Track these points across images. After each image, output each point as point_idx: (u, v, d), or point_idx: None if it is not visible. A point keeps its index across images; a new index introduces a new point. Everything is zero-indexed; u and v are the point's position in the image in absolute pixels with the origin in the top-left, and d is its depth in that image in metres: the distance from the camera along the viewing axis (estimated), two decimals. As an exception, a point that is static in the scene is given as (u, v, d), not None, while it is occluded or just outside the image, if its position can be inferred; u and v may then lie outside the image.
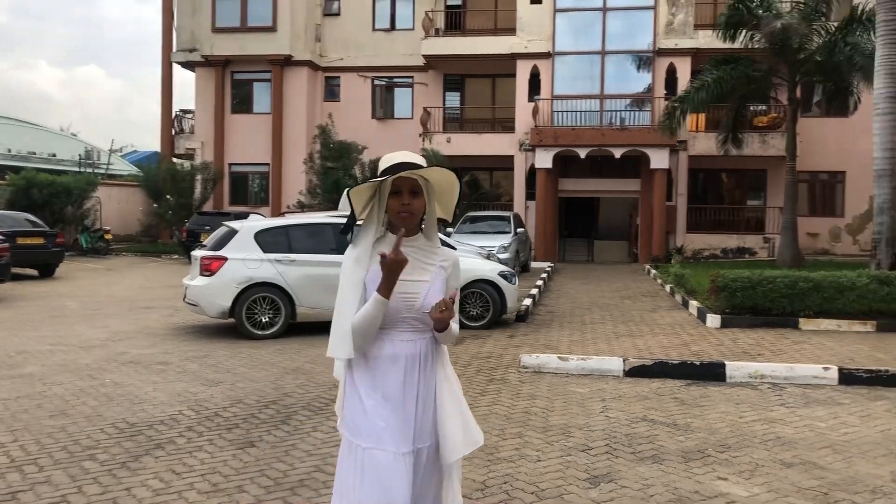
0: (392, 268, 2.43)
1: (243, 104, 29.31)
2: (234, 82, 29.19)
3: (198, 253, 10.26)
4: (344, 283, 2.59)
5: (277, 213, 25.55)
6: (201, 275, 9.89)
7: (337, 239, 10.30)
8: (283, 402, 6.47)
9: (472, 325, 10.49)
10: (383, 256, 2.43)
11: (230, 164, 29.04)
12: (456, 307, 2.63)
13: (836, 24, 19.44)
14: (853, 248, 25.23)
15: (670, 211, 24.64)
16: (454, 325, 2.63)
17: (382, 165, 2.63)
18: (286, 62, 28.03)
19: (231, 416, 5.99)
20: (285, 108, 28.35)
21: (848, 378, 7.31)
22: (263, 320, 9.79)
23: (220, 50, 28.21)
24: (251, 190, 29.65)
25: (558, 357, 7.84)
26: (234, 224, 10.48)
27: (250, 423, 5.79)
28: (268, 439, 5.39)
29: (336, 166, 25.79)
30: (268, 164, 28.65)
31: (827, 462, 4.97)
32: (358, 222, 2.65)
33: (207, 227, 20.57)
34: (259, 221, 10.93)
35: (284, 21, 27.77)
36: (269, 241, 10.06)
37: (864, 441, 5.46)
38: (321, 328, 10.18)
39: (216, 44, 28.23)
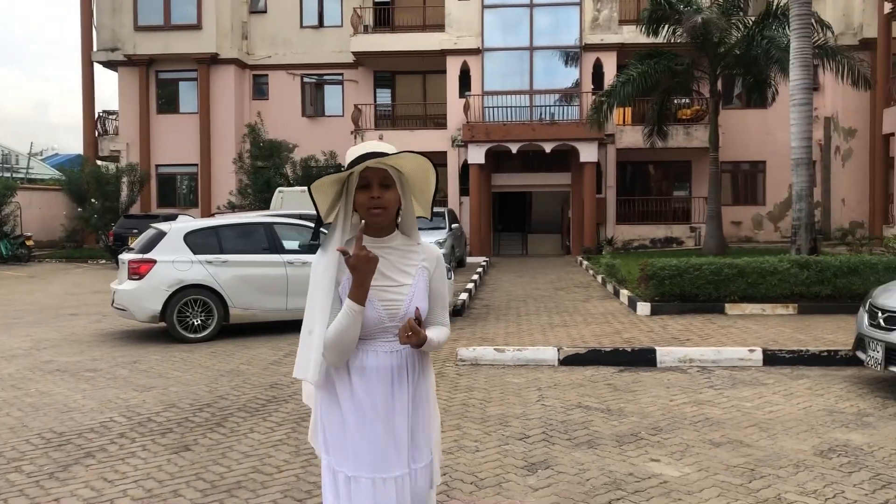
0: (360, 267, 2.14)
1: (169, 104, 28.62)
2: (159, 82, 28.47)
3: (125, 256, 9.99)
4: (313, 294, 2.27)
5: (207, 214, 25.07)
6: (129, 279, 9.64)
7: (269, 239, 10.19)
8: (218, 404, 6.37)
9: (409, 320, 10.51)
10: (345, 254, 2.16)
11: (157, 166, 28.32)
12: (446, 305, 2.45)
13: (752, 18, 20.11)
14: (774, 234, 26.17)
15: (600, 203, 25.11)
16: (437, 333, 2.35)
17: (348, 158, 2.33)
18: (212, 61, 27.49)
19: (164, 421, 5.87)
20: (213, 108, 27.79)
21: (771, 359, 7.60)
22: (196, 323, 9.60)
23: (143, 49, 27.48)
24: (180, 191, 29.00)
25: (494, 349, 7.93)
26: (163, 226, 10.25)
27: (185, 427, 5.69)
28: (203, 442, 5.30)
29: (267, 165, 25.47)
30: (196, 165, 28.05)
31: (753, 440, 5.17)
32: (326, 224, 2.38)
33: (135, 231, 20.04)
34: (188, 222, 10.71)
35: (210, 19, 27.22)
36: (199, 242, 9.86)
37: (788, 418, 5.69)
38: (255, 329, 10.08)
39: (139, 43, 27.48)
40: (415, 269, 2.35)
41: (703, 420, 5.68)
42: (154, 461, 4.91)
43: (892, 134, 22.10)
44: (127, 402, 6.49)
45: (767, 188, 26.79)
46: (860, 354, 6.62)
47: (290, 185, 23.42)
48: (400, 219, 2.39)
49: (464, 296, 12.54)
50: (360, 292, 2.17)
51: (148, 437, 5.44)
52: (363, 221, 2.32)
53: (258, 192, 24.62)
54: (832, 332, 9.11)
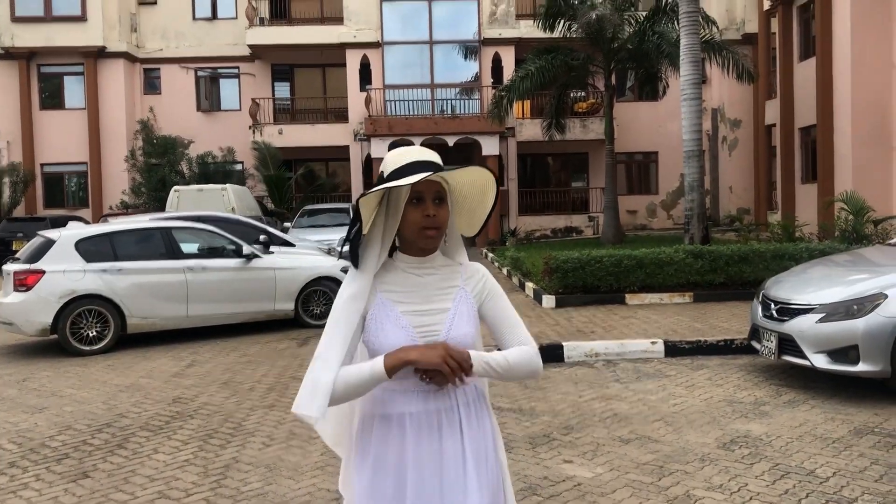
0: (427, 358, 1.88)
1: (53, 99, 27.15)
2: (41, 76, 26.95)
3: (10, 267, 9.40)
4: (334, 323, 1.97)
5: (99, 214, 23.94)
6: (15, 290, 9.08)
7: (167, 244, 9.81)
8: (118, 423, 6.08)
9: (317, 322, 10.35)
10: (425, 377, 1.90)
11: (42, 165, 26.83)
12: (516, 322, 2.06)
13: (644, 14, 20.73)
14: (668, 222, 27.20)
15: (503, 195, 25.43)
16: (499, 354, 1.98)
17: (392, 164, 1.99)
18: (100, 54, 26.22)
19: (60, 446, 5.56)
20: (102, 103, 26.52)
21: (673, 350, 7.87)
22: (90, 335, 9.15)
23: (22, 41, 25.92)
24: (68, 191, 27.57)
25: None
26: (51, 233, 9.71)
27: (82, 452, 5.40)
28: (103, 468, 5.04)
29: (161, 163, 24.57)
30: (85, 164, 26.74)
31: (660, 435, 5.33)
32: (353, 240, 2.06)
33: (20, 235, 19.00)
34: (79, 229, 10.19)
35: (95, 10, 25.92)
36: (91, 249, 9.39)
37: (691, 411, 5.90)
38: (155, 339, 9.69)
39: (17, 34, 25.91)
40: (455, 290, 2.03)
41: (611, 416, 5.82)
42: (49, 492, 4.64)
43: (774, 125, 23.27)
44: (17, 427, 6.11)
45: (660, 178, 27.77)
46: (755, 344, 6.93)
47: (186, 182, 22.66)
48: (445, 238, 2.06)
49: (371, 295, 12.41)
50: (399, 364, 1.88)
51: (42, 465, 5.13)
52: (391, 243, 2.02)
53: (153, 190, 23.73)
54: (727, 320, 9.51)
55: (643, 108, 27.01)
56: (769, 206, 24.24)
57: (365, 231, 1.97)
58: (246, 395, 6.84)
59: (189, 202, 17.21)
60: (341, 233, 17.98)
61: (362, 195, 1.92)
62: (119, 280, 9.31)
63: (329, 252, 13.82)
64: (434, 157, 2.01)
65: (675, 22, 19.82)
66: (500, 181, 2.08)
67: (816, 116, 19.43)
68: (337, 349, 1.94)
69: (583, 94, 25.99)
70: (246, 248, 10.28)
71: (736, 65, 19.92)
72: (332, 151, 26.39)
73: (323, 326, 2.03)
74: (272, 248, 11.36)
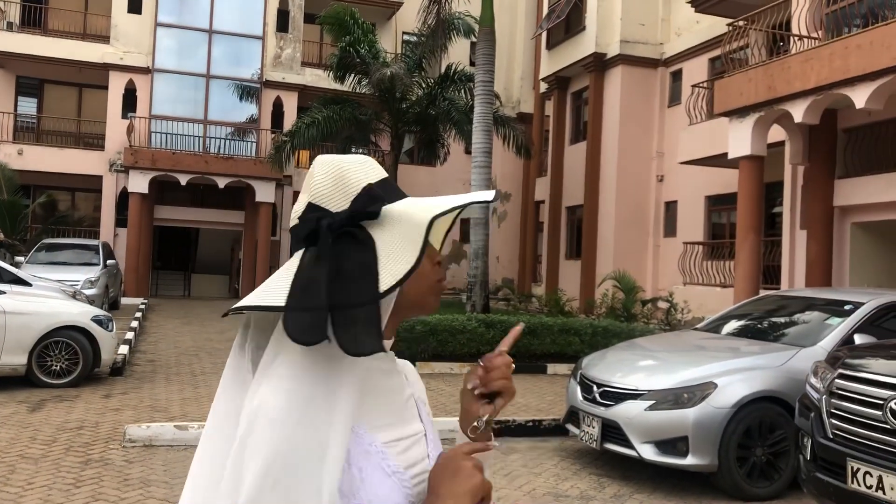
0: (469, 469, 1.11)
1: None
2: None
3: None
4: (290, 455, 0.99)
5: None
6: None
7: None
8: None
9: (55, 382, 8.47)
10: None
11: None
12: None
13: (431, 80, 20.86)
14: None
15: (274, 246, 24.08)
16: None
17: (365, 175, 1.15)
18: None
19: None
20: None
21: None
22: None
23: None
24: None
25: (175, 426, 6.50)
26: None
27: None
28: None
29: None
30: None
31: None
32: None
33: None
34: None
35: None
36: None
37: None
38: None
39: None
40: (413, 399, 1.26)
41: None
42: None
43: (543, 201, 24.37)
44: None
45: (433, 242, 27.92)
46: (572, 428, 6.50)
47: None
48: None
49: (124, 349, 10.59)
50: None
51: None
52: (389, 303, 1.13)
53: None
54: (522, 395, 9.13)
55: (422, 171, 27.17)
56: (533, 278, 25.18)
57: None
58: (-47, 484, 5.13)
59: None
60: (88, 273, 15.73)
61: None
62: None
63: (74, 295, 11.81)
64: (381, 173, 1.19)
65: (464, 90, 20.24)
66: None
67: (584, 197, 20.52)
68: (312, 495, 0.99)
69: (363, 151, 25.59)
70: (-32, 285, 8.26)
71: (515, 139, 20.59)
72: (82, 181, 23.48)
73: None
74: (1, 287, 9.35)
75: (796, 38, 12.41)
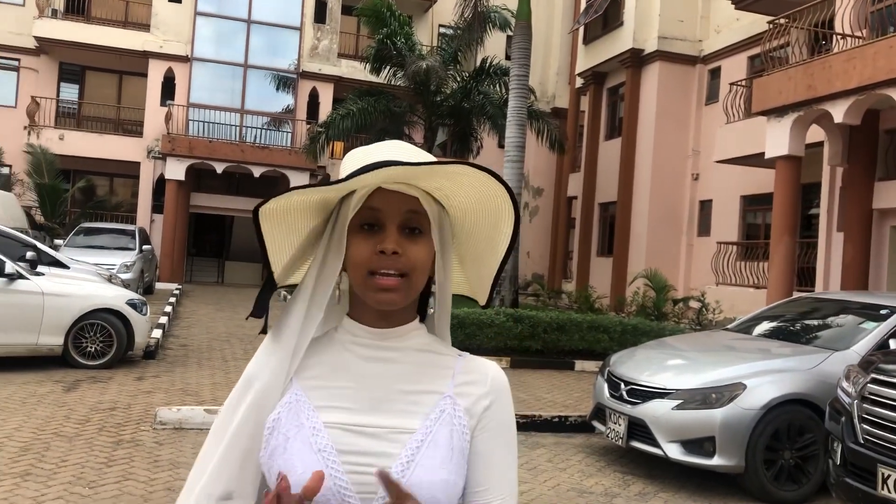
0: None
1: None
2: None
3: None
4: (220, 423, 1.16)
5: None
6: None
7: None
8: None
9: (90, 363, 8.64)
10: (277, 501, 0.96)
11: None
12: (508, 491, 1.16)
13: (467, 73, 20.83)
14: (468, 280, 27.30)
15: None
16: None
17: (347, 168, 1.11)
18: None
19: None
20: None
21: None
22: None
23: None
24: None
25: (205, 410, 6.61)
26: None
27: None
28: None
29: None
30: None
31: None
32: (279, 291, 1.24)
33: None
34: None
35: None
36: None
37: (543, 501, 5.24)
38: None
39: None
40: (435, 399, 1.13)
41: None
42: None
43: (575, 197, 24.24)
44: None
45: (465, 236, 27.92)
46: (598, 425, 6.48)
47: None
48: (432, 299, 1.19)
49: (157, 333, 10.79)
50: None
51: None
52: (339, 295, 1.16)
53: None
54: (549, 391, 9.13)
55: (454, 164, 27.14)
56: (564, 274, 25.06)
57: (278, 271, 1.18)
58: (-10, 459, 5.28)
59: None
60: (124, 257, 15.99)
61: (262, 203, 1.08)
62: None
63: (110, 279, 12.02)
64: (413, 154, 1.12)
65: (498, 84, 20.18)
66: (515, 206, 1.03)
67: (618, 193, 20.38)
68: (220, 479, 1.11)
69: (398, 142, 25.65)
70: (8, 266, 8.43)
71: (549, 134, 20.48)
72: (121, 167, 23.89)
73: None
74: (41, 269, 9.54)
75: (839, 37, 12.18)
